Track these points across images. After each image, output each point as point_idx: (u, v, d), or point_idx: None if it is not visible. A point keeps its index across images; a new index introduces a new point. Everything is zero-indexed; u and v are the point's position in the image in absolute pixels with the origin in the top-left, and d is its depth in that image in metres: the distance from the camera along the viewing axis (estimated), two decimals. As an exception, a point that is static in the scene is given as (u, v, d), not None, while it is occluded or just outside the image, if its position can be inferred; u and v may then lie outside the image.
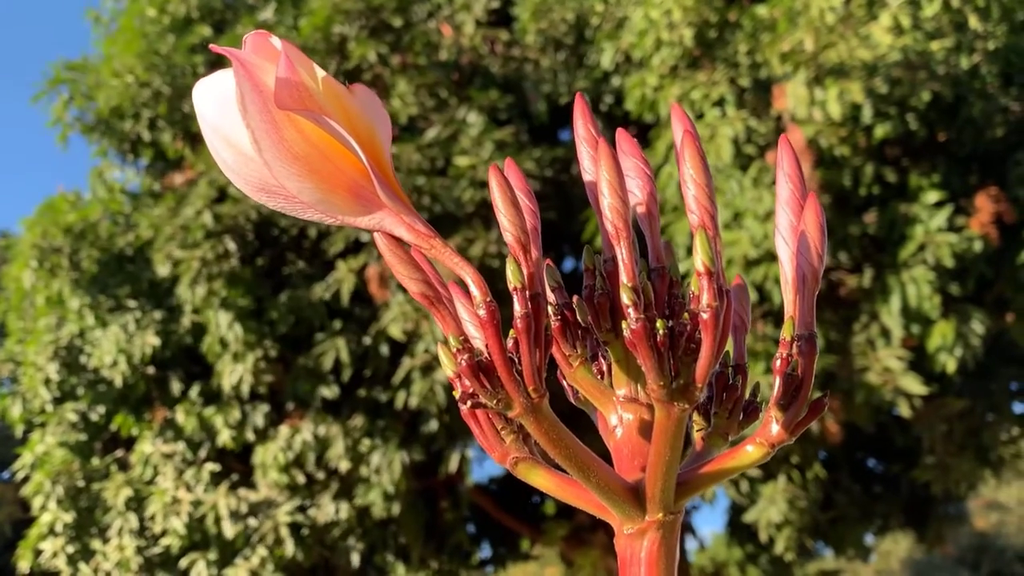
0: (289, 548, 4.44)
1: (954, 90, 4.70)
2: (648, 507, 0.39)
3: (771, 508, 5.05)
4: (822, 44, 4.42)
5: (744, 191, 4.40)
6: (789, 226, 0.42)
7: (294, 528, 4.48)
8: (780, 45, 4.54)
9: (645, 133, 5.06)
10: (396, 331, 4.39)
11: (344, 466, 4.43)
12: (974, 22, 4.57)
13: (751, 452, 0.40)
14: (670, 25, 4.74)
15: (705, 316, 0.36)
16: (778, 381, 0.39)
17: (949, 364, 4.52)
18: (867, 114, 4.46)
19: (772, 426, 0.39)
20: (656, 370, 0.36)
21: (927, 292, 4.41)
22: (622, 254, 0.38)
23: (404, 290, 4.60)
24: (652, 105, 4.74)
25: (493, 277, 4.59)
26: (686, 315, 0.37)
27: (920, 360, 4.64)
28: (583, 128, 0.44)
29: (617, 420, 0.43)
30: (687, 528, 6.58)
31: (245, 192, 0.42)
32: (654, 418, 0.42)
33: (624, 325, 0.37)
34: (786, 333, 0.39)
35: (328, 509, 4.54)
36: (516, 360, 0.38)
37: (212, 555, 4.42)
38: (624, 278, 0.38)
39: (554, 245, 5.64)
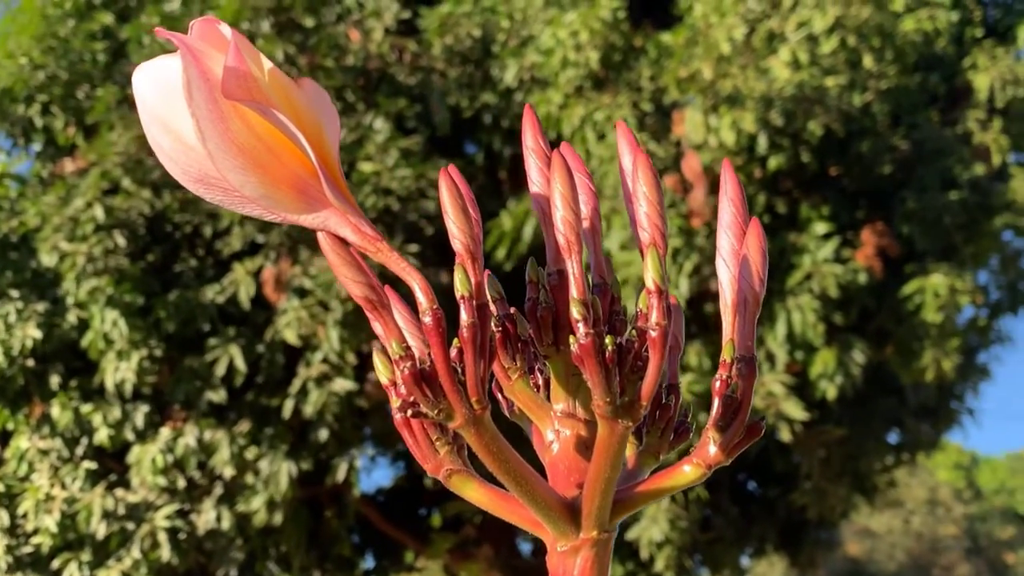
0: (165, 552, 4.32)
1: (846, 126, 4.86)
2: (584, 524, 0.39)
3: (653, 527, 5.12)
4: (720, 73, 4.53)
5: (643, 213, 4.46)
6: (730, 249, 0.42)
7: (171, 532, 4.35)
8: (679, 72, 4.64)
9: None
10: (291, 336, 4.32)
11: (228, 472, 4.33)
12: (868, 61, 4.75)
13: (688, 472, 0.40)
14: (577, 46, 4.80)
15: (654, 334, 0.36)
16: (717, 402, 0.39)
17: (830, 391, 4.67)
18: (762, 145, 4.59)
19: (710, 447, 0.39)
20: (603, 386, 0.36)
21: (812, 320, 4.54)
22: (572, 268, 0.38)
23: (300, 295, 4.53)
24: (556, 123, 4.78)
25: (394, 286, 4.56)
26: (633, 332, 0.37)
27: (802, 386, 4.78)
28: (532, 140, 0.44)
29: (554, 435, 0.42)
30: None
31: (181, 182, 0.40)
32: (591, 434, 0.42)
33: (571, 340, 0.37)
34: (726, 355, 0.39)
35: (209, 515, 4.43)
36: (458, 370, 0.38)
37: (85, 556, 4.26)
38: (574, 292, 0.38)
39: (452, 256, 5.63)
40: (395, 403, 0.40)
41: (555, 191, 0.39)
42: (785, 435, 4.68)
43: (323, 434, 4.56)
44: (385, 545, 6.43)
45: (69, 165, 5.03)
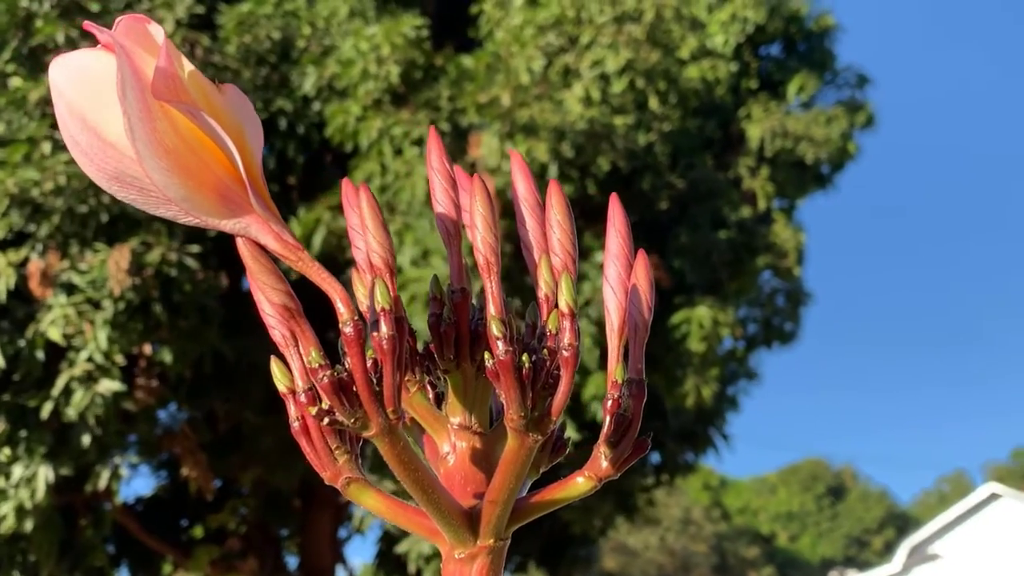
0: None
1: (630, 163, 5.10)
2: (482, 532, 0.41)
3: (423, 541, 5.15)
4: (517, 102, 4.66)
5: (435, 231, 4.52)
6: (617, 277, 0.45)
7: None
8: (478, 96, 4.74)
9: (343, 162, 5.07)
10: (56, 334, 4.08)
11: (-21, 476, 4.03)
12: (654, 104, 5.01)
13: (580, 484, 0.42)
14: (378, 59, 4.80)
15: (566, 354, 0.39)
16: (608, 420, 0.42)
17: (600, 413, 4.86)
18: (553, 174, 4.74)
19: (601, 461, 0.42)
20: (518, 401, 0.38)
21: (588, 344, 4.72)
22: (491, 287, 0.40)
23: (68, 291, 4.29)
24: (353, 135, 4.76)
25: (171, 287, 4.39)
26: (545, 351, 0.40)
27: (576, 408, 4.95)
28: (437, 161, 0.46)
29: (450, 447, 0.44)
30: (340, 558, 6.57)
31: (92, 178, 0.39)
32: (485, 447, 0.44)
33: (486, 356, 0.39)
34: (617, 376, 0.42)
35: (-49, 522, 4.10)
36: (373, 381, 0.39)
37: None
38: (492, 310, 0.40)
39: (235, 260, 5.49)
40: (294, 411, 0.41)
41: (476, 213, 0.41)
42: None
43: (85, 439, 4.33)
44: (142, 556, 6.15)
45: None
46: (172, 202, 0.38)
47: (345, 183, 0.48)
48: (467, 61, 4.94)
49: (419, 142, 4.75)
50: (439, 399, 0.45)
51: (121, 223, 4.47)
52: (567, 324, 0.39)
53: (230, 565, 5.78)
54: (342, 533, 6.63)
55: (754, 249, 5.59)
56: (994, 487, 14.17)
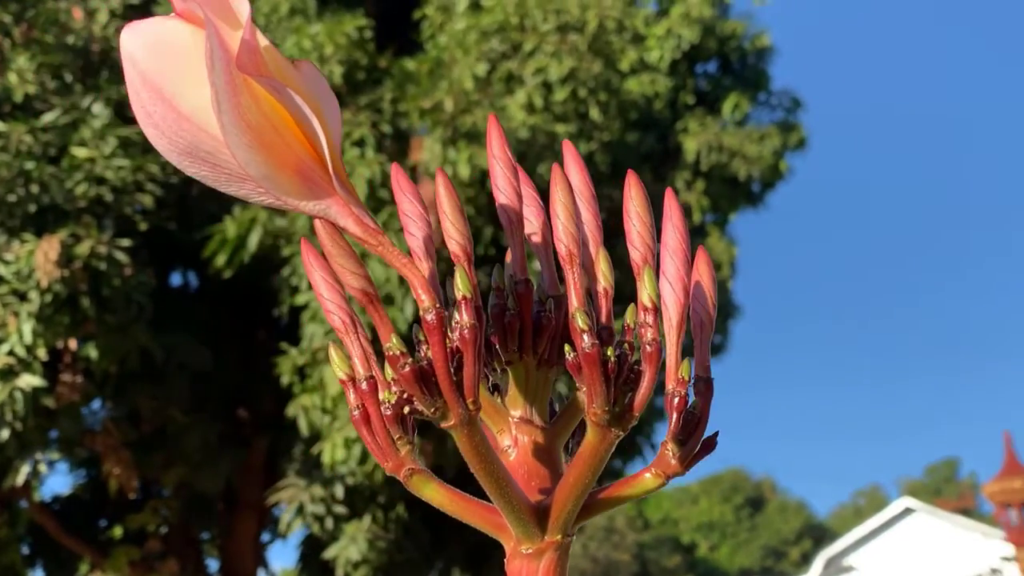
0: None
1: (569, 171, 5.11)
2: (550, 528, 0.40)
3: (352, 547, 5.11)
4: (460, 108, 4.65)
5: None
6: (675, 273, 0.45)
7: None
8: (422, 101, 4.71)
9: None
10: (-21, 325, 3.95)
11: None
12: (595, 114, 5.03)
13: (648, 480, 0.42)
14: (321, 58, 4.76)
15: (649, 349, 0.38)
16: (675, 417, 0.41)
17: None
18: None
19: (669, 459, 0.41)
20: (603, 395, 0.38)
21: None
22: (574, 278, 0.40)
23: (-7, 282, 4.17)
24: (293, 132, 4.70)
25: (100, 281, 4.28)
26: (626, 345, 0.39)
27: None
28: (499, 149, 0.45)
29: (511, 441, 0.43)
30: (262, 562, 6.46)
31: (162, 152, 0.38)
32: (546, 441, 0.43)
33: (567, 349, 0.38)
34: (683, 373, 0.42)
35: None
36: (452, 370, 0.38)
37: None
38: (575, 302, 0.39)
39: (165, 256, 5.38)
40: (354, 399, 0.40)
41: (557, 202, 0.41)
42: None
43: (4, 433, 4.20)
44: (59, 556, 5.98)
45: None
46: (250, 180, 0.37)
47: (395, 168, 0.47)
48: (410, 65, 4.92)
49: (360, 143, 4.71)
50: (493, 392, 0.45)
51: (50, 214, 4.35)
52: (650, 319, 0.39)
53: (149, 566, 5.65)
54: (265, 537, 6.53)
55: (688, 262, 5.64)
56: (908, 502, 14.54)
